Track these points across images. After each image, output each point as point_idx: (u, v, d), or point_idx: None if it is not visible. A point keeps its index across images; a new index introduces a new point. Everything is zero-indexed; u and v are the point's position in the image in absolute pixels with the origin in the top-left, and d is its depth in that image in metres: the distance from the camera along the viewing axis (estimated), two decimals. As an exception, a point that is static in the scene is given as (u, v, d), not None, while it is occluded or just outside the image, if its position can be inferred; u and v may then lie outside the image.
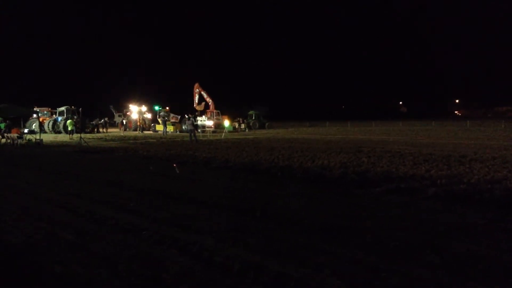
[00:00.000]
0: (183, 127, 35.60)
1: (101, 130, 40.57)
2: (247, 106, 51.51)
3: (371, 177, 8.62)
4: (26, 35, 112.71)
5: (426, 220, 5.65)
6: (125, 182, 8.96)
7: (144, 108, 43.77)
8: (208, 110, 40.72)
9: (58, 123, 36.17)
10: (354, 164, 10.66)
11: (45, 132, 34.98)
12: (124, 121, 43.14)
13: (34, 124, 34.81)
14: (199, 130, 32.04)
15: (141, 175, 10.20)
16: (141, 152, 15.53)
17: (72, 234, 5.01)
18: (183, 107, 47.46)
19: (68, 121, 30.13)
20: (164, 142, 22.52)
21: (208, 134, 32.32)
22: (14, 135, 22.21)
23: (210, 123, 37.78)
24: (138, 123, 39.94)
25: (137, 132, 38.04)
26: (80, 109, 26.71)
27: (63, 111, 36.26)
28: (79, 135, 24.01)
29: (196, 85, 41.72)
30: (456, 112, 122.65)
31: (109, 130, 42.14)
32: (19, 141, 21.06)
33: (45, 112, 40.97)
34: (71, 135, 28.36)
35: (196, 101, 41.61)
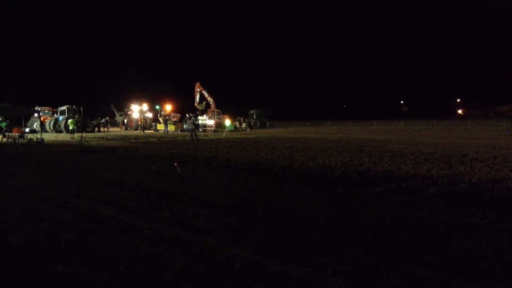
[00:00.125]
0: (184, 126, 35.64)
1: (102, 129, 40.62)
2: (248, 105, 51.58)
3: (372, 177, 8.62)
4: (26, 35, 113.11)
5: (426, 220, 5.64)
6: (126, 182, 8.97)
7: (145, 107, 43.82)
8: (209, 110, 40.72)
9: (59, 123, 36.21)
10: (355, 163, 10.66)
11: (46, 132, 35.04)
12: (125, 120, 43.20)
13: (35, 123, 34.87)
14: (200, 129, 32.06)
15: (142, 174, 10.20)
16: (142, 152, 15.54)
17: (73, 234, 5.01)
18: (183, 107, 47.50)
19: (69, 120, 30.17)
20: (165, 141, 22.53)
21: (209, 133, 32.33)
22: (15, 134, 22.24)
23: (211, 122, 37.77)
24: (139, 122, 39.99)
25: (138, 131, 38.09)
26: (81, 108, 26.74)
27: (64, 110, 36.30)
28: (80, 134, 24.03)
29: (197, 84, 41.75)
30: (459, 111, 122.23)
31: (110, 129, 42.19)
32: (20, 140, 21.09)
33: (46, 111, 41.06)
34: (72, 134, 28.39)
35: (197, 100, 41.65)
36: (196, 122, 27.90)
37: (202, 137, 25.23)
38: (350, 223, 5.47)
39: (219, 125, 37.32)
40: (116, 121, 50.10)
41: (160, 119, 40.07)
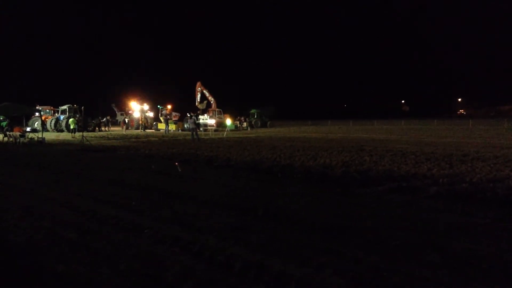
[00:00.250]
0: (185, 126, 35.67)
1: (103, 128, 40.69)
2: (248, 105, 51.62)
3: (373, 176, 8.61)
4: (26, 35, 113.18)
5: (427, 219, 5.63)
6: (126, 181, 8.98)
7: (146, 106, 43.86)
8: (210, 109, 40.75)
9: (60, 122, 36.28)
10: (356, 163, 10.65)
11: (47, 131, 35.10)
12: (126, 120, 43.26)
13: (36, 123, 34.94)
14: (201, 129, 32.08)
15: (143, 173, 10.21)
16: (143, 151, 15.55)
17: (74, 233, 5.02)
18: (184, 106, 47.54)
19: (70, 120, 30.20)
20: (166, 140, 22.54)
21: (210, 132, 32.34)
22: (16, 133, 22.26)
23: (212, 121, 37.80)
24: (140, 122, 40.03)
25: (139, 130, 38.14)
26: (82, 107, 26.78)
27: (65, 109, 36.37)
28: (81, 133, 24.06)
29: (198, 83, 41.80)
30: (461, 111, 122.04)
31: (111, 128, 42.26)
32: (21, 139, 21.11)
33: (47, 110, 41.10)
34: (73, 133, 28.44)
35: (198, 100, 41.69)
36: (197, 122, 27.94)
37: (203, 137, 25.24)
38: (350, 223, 5.47)
39: (220, 125, 37.36)
40: (117, 120, 50.18)
41: (161, 118, 40.12)
